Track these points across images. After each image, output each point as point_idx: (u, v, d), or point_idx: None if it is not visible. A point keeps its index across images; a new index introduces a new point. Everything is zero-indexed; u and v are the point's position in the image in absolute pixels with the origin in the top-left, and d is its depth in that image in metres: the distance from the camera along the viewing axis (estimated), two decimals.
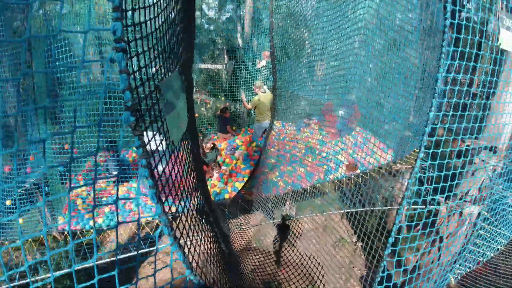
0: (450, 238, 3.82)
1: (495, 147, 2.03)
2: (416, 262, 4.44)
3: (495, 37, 1.54)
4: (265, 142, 4.52)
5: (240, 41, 7.64)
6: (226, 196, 4.86)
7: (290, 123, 4.26)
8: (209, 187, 5.15)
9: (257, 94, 6.21)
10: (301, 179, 3.48)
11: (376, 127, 3.73)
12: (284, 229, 4.99)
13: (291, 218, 4.26)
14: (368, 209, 3.66)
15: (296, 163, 3.71)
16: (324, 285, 5.00)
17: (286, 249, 5.28)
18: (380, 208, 4.12)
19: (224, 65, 7.69)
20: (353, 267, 5.49)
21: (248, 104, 6.44)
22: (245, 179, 5.11)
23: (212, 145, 5.63)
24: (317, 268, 4.87)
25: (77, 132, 4.39)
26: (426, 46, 3.34)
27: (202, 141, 5.56)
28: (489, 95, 1.60)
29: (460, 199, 3.50)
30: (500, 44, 1.54)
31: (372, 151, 3.37)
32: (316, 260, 5.02)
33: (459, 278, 2.13)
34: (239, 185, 5.00)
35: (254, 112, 6.77)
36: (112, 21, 0.74)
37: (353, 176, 3.48)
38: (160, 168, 1.21)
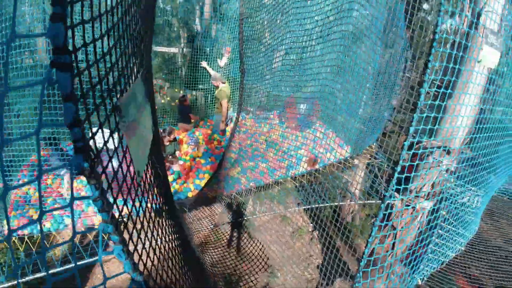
0: (404, 230, 4.09)
1: (449, 148, 2.14)
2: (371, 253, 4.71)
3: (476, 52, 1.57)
4: (230, 135, 4.42)
5: (198, 25, 7.33)
6: (189, 194, 4.71)
7: (251, 116, 4.21)
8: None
9: (217, 87, 6.03)
10: (263, 175, 3.46)
11: (334, 122, 3.82)
12: (241, 222, 5.00)
13: (254, 215, 4.25)
14: (328, 204, 3.76)
15: (258, 158, 3.68)
16: (283, 275, 5.14)
17: (245, 241, 5.32)
18: (338, 203, 4.26)
19: (180, 49, 7.36)
20: (310, 255, 5.68)
21: (219, 101, 6.18)
22: (207, 175, 4.98)
23: (173, 138, 5.41)
24: (276, 259, 4.98)
25: (21, 121, 3.92)
26: (384, 43, 3.45)
27: (164, 131, 5.31)
28: (446, 96, 1.65)
29: (415, 195, 3.74)
30: (480, 61, 1.59)
31: (331, 147, 3.44)
32: (275, 251, 5.12)
33: (425, 279, 2.26)
34: (200, 183, 4.87)
35: (214, 103, 6.60)
36: (50, 21, 0.51)
37: (313, 171, 3.54)
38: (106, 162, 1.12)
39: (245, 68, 4.13)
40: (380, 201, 3.81)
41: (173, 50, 7.50)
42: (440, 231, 2.47)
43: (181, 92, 7.21)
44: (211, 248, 4.86)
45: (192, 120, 6.66)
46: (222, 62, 6.99)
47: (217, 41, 6.99)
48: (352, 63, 3.49)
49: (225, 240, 5.13)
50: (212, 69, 6.80)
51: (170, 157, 5.25)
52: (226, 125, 6.19)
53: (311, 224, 6.06)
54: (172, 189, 4.79)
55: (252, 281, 4.78)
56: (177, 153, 5.57)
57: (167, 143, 5.32)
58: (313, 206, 3.71)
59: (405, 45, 4.20)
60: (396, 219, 4.13)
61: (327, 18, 3.47)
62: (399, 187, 2.06)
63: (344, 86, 3.60)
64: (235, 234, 5.28)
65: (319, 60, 3.60)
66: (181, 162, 5.46)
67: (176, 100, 6.75)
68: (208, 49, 6.99)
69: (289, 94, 3.95)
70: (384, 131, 4.53)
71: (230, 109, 6.37)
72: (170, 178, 5.04)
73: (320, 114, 3.82)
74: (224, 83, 6.00)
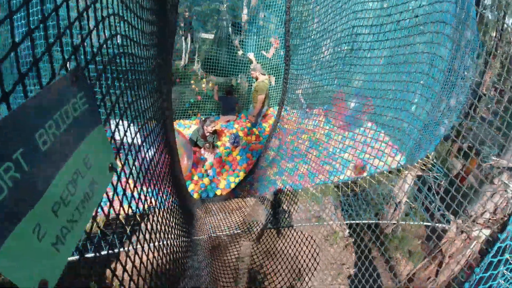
0: (452, 258, 3.60)
1: None
2: (413, 273, 4.28)
3: None
4: (270, 131, 4.11)
5: (245, 12, 7.07)
6: (218, 192, 4.52)
7: (295, 111, 3.86)
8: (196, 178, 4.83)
9: (257, 78, 5.73)
10: (302, 179, 3.13)
11: (388, 125, 3.38)
12: (275, 216, 4.75)
13: (287, 215, 3.96)
14: (372, 222, 3.38)
15: (298, 159, 3.35)
16: (311, 280, 4.84)
17: (275, 238, 5.07)
18: (386, 222, 3.85)
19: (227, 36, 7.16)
20: (343, 264, 5.32)
21: (257, 94, 5.88)
22: (242, 173, 4.74)
23: (213, 131, 5.26)
24: (306, 262, 4.68)
25: None
26: (454, 40, 2.94)
27: (204, 122, 5.17)
28: None
29: (473, 220, 3.23)
30: None
31: (382, 152, 3.03)
32: (306, 253, 4.83)
33: None
34: (233, 180, 4.66)
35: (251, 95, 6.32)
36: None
37: (358, 179, 3.16)
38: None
39: (290, 57, 3.78)
40: (430, 222, 3.35)
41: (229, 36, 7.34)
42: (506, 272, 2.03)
43: (226, 82, 7.02)
44: (239, 240, 4.69)
45: (236, 114, 6.44)
46: (270, 53, 6.67)
47: (264, 29, 6.68)
48: (412, 58, 3.03)
49: (254, 236, 4.93)
50: (257, 60, 6.50)
51: (207, 145, 5.11)
52: (256, 122, 5.93)
53: (348, 230, 5.67)
54: (198, 183, 4.65)
55: (277, 281, 4.55)
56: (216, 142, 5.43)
57: (207, 134, 5.19)
58: (355, 221, 3.35)
59: (476, 42, 3.64)
60: (445, 244, 3.65)
61: (384, 7, 3.03)
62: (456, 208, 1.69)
63: (402, 84, 3.14)
64: (265, 230, 5.06)
65: (374, 52, 3.18)
66: (217, 151, 5.30)
67: (224, 92, 6.53)
68: (255, 37, 6.72)
69: (338, 89, 3.56)
70: (444, 140, 4.01)
71: (266, 105, 6.06)
72: (202, 169, 4.89)
73: (372, 113, 3.40)
74: (264, 74, 5.70)
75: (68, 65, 0.66)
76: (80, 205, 0.59)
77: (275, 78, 6.77)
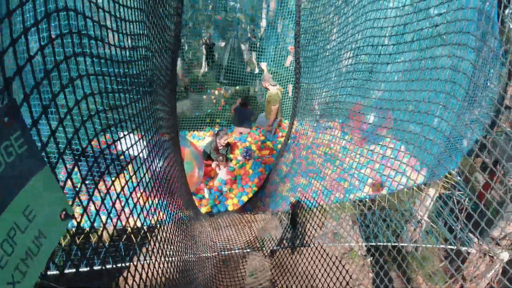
0: (474, 282, 3.35)
1: None
2: None
3: None
4: (282, 145, 3.98)
5: (264, 22, 7.05)
6: (230, 208, 4.42)
7: (310, 123, 3.72)
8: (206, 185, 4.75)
9: (267, 88, 5.67)
10: (317, 196, 2.98)
11: (409, 139, 3.19)
12: (290, 232, 4.60)
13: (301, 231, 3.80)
14: (389, 244, 3.18)
15: (312, 174, 3.20)
16: None
17: (289, 254, 4.90)
18: (408, 245, 3.64)
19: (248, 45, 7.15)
20: (360, 284, 5.07)
21: (269, 104, 5.79)
22: (254, 188, 4.63)
23: (225, 144, 5.19)
24: (321, 280, 4.49)
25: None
26: (477, 51, 2.76)
27: (217, 135, 5.11)
28: None
29: (496, 243, 3.00)
30: None
31: (403, 169, 2.85)
32: (321, 270, 4.63)
33: None
34: (244, 198, 4.55)
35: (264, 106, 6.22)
36: None
37: (377, 197, 2.98)
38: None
39: (300, 70, 3.66)
40: (453, 243, 3.13)
41: (243, 46, 7.35)
42: None
43: (243, 91, 6.98)
44: (252, 254, 4.55)
45: (253, 128, 6.34)
46: (288, 61, 6.59)
47: (282, 38, 6.62)
48: (435, 68, 2.85)
49: (268, 250, 4.78)
50: (270, 70, 6.43)
51: (221, 158, 5.04)
52: (271, 132, 5.83)
53: (365, 247, 5.43)
54: (207, 198, 4.58)
55: None
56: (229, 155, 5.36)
57: (220, 147, 5.12)
58: (373, 243, 3.15)
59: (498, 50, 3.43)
60: (468, 267, 3.40)
61: (403, 16, 2.88)
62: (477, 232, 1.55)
63: (424, 95, 2.96)
64: (281, 243, 4.90)
65: (394, 62, 3.03)
66: (231, 165, 5.22)
67: (237, 103, 6.48)
68: (273, 46, 6.67)
69: (355, 101, 3.41)
70: (467, 155, 3.78)
71: (279, 116, 5.95)
72: (212, 185, 4.81)
73: (392, 127, 3.22)
74: (274, 85, 5.63)
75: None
76: (22, 264, 0.50)
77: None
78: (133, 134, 1.33)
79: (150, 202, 1.50)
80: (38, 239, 0.54)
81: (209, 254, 3.40)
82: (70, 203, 0.66)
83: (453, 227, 3.54)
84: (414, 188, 3.09)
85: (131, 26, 1.28)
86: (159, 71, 1.87)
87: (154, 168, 1.58)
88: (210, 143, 5.17)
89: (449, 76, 2.72)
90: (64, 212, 0.62)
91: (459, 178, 3.95)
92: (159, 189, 1.70)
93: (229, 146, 5.37)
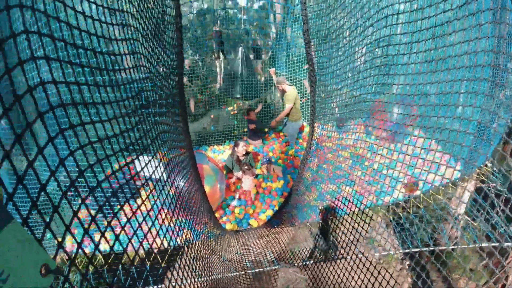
0: None
1: None
2: None
3: None
4: (305, 152, 3.84)
5: (274, 29, 7.03)
6: (253, 222, 4.31)
7: (331, 126, 3.58)
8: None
9: (284, 91, 5.58)
10: (347, 203, 2.82)
11: (439, 131, 2.99)
12: (322, 238, 4.42)
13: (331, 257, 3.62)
14: (427, 249, 2.98)
15: (340, 179, 3.05)
16: None
17: (323, 264, 4.70)
18: (447, 247, 3.41)
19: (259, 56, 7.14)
20: None
21: (285, 103, 5.73)
22: (279, 201, 4.51)
23: (245, 152, 5.12)
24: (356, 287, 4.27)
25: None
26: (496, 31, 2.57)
27: (235, 145, 5.07)
28: None
29: None
30: None
31: (436, 164, 2.66)
32: (357, 279, 4.39)
33: None
34: (271, 209, 4.43)
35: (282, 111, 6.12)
36: None
37: (411, 198, 2.79)
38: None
39: (315, 71, 3.54)
40: (493, 239, 2.88)
41: (251, 57, 7.35)
42: None
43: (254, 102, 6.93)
44: (284, 269, 4.40)
45: (260, 138, 6.26)
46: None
47: (293, 43, 6.56)
48: (455, 54, 2.67)
49: (300, 262, 4.61)
50: (279, 74, 6.37)
51: (246, 167, 4.96)
52: (277, 125, 5.71)
53: (402, 250, 5.15)
54: (233, 214, 4.49)
55: None
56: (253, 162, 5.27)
57: (242, 158, 5.06)
58: (411, 250, 2.95)
59: None
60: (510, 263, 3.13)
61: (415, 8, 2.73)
62: None
63: (448, 83, 2.77)
64: (312, 252, 4.73)
65: (411, 55, 2.87)
66: (256, 172, 5.13)
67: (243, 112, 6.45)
68: (285, 52, 6.63)
69: (375, 97, 3.26)
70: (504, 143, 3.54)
71: (300, 117, 5.82)
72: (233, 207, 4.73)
73: (419, 120, 3.03)
74: (290, 85, 5.57)
75: None
76: None
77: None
78: (151, 156, 1.29)
79: (175, 221, 1.46)
80: None
81: (237, 273, 3.29)
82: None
83: (494, 223, 3.29)
84: (450, 185, 2.88)
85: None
86: (166, 93, 1.83)
87: (175, 188, 1.54)
88: (230, 156, 5.12)
89: (467, 62, 2.55)
90: (44, 267, 0.54)
91: (494, 168, 3.69)
92: (181, 208, 1.65)
93: (250, 154, 5.29)
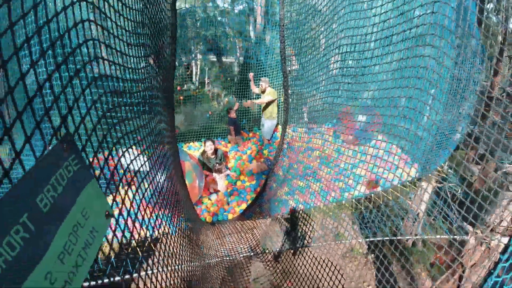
0: (472, 268, 3.46)
1: None
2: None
3: None
4: (277, 151, 4.10)
5: (252, 34, 7.24)
6: (230, 216, 4.51)
7: (303, 128, 3.86)
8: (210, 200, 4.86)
9: (265, 90, 5.84)
10: (314, 198, 3.10)
11: (399, 135, 3.33)
12: (291, 235, 4.69)
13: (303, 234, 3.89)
14: (387, 239, 3.30)
15: (309, 177, 3.33)
16: None
17: (292, 257, 4.97)
18: (404, 237, 3.75)
19: (237, 58, 7.33)
20: (363, 281, 5.16)
21: (256, 89, 6.04)
22: (252, 196, 4.75)
23: (214, 149, 5.25)
24: (324, 281, 4.56)
25: None
26: (455, 44, 2.93)
27: (205, 143, 5.22)
28: None
29: (491, 229, 3.12)
30: None
31: (395, 165, 2.99)
32: (325, 271, 4.70)
33: None
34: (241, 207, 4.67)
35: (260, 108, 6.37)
36: None
37: (372, 194, 3.11)
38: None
39: (288, 83, 3.81)
40: (448, 234, 3.26)
41: (229, 59, 7.52)
42: None
43: (233, 100, 7.12)
44: (256, 261, 4.61)
45: (240, 136, 6.47)
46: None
47: (271, 48, 6.81)
48: (417, 66, 3.01)
49: (270, 256, 4.85)
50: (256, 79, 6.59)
51: (216, 165, 5.12)
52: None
53: (366, 245, 5.53)
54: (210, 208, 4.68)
55: None
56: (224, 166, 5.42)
57: (212, 156, 5.18)
58: (370, 239, 3.26)
59: (478, 47, 3.61)
60: (466, 256, 3.52)
61: (387, 20, 3.05)
62: (473, 219, 1.64)
63: (409, 93, 3.11)
64: (283, 248, 4.98)
65: (379, 64, 3.18)
66: (230, 172, 5.31)
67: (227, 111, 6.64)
68: (262, 57, 6.85)
69: (344, 103, 3.56)
70: (458, 147, 3.93)
71: (276, 117, 6.11)
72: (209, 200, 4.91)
73: (382, 125, 3.37)
74: (270, 86, 5.87)
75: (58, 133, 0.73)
76: (82, 251, 0.67)
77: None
78: (137, 148, 1.42)
79: (155, 214, 1.57)
80: (92, 233, 0.72)
81: (213, 260, 3.48)
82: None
83: (449, 218, 3.67)
84: (408, 183, 3.22)
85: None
86: (159, 84, 1.99)
87: (157, 180, 1.66)
88: (200, 155, 5.27)
89: (429, 72, 2.88)
90: (107, 212, 0.80)
91: (450, 170, 4.10)
92: (163, 201, 1.77)
93: (220, 151, 5.41)
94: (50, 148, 0.64)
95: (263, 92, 5.90)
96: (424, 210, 4.46)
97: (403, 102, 3.11)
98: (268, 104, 5.84)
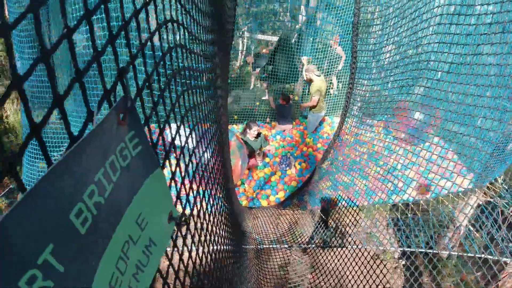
0: None
1: None
2: None
3: None
4: (330, 144, 3.89)
5: (303, 13, 6.90)
6: (263, 202, 4.44)
7: (354, 121, 3.61)
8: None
9: (311, 80, 5.52)
10: (359, 196, 2.91)
11: (458, 141, 3.03)
12: (323, 226, 4.56)
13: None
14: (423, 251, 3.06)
15: (355, 173, 3.12)
16: None
17: (321, 250, 4.85)
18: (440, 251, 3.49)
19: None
20: (389, 287, 4.94)
21: (311, 96, 5.63)
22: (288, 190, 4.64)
23: (257, 133, 5.16)
24: (351, 280, 4.42)
25: None
26: None
27: (248, 128, 5.12)
28: None
29: None
30: None
31: (450, 172, 2.72)
32: (352, 270, 4.54)
33: None
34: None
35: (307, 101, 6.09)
36: None
37: (421, 201, 2.86)
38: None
39: (356, 64, 3.52)
40: (492, 256, 2.96)
41: (276, 39, 7.26)
42: None
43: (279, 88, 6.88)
44: (284, 250, 4.56)
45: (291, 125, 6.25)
46: (340, 65, 6.41)
47: (321, 31, 6.45)
48: (481, 69, 2.66)
49: (300, 245, 4.77)
50: (312, 63, 6.25)
51: (259, 151, 5.06)
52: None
53: (399, 250, 5.27)
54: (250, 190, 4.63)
55: None
56: (265, 149, 5.32)
57: (252, 139, 5.11)
58: (406, 249, 3.04)
59: None
60: (504, 278, 3.21)
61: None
62: None
63: (476, 95, 2.78)
64: (312, 239, 4.88)
65: (442, 60, 2.86)
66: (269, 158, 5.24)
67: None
68: (311, 38, 6.52)
69: (401, 97, 3.27)
70: None
71: (324, 109, 5.80)
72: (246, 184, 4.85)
73: (440, 127, 3.07)
74: (319, 76, 5.49)
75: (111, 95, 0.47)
76: (133, 280, 0.45)
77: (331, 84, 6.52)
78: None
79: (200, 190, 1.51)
80: (148, 248, 0.49)
81: (248, 246, 3.45)
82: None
83: (495, 237, 3.36)
84: (460, 194, 2.95)
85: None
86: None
87: (205, 158, 1.58)
88: (241, 134, 5.20)
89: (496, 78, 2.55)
90: (170, 214, 0.57)
91: (504, 186, 3.73)
92: (210, 178, 1.71)
93: (262, 135, 5.31)
94: (97, 118, 0.40)
95: (308, 82, 5.61)
96: (467, 222, 4.14)
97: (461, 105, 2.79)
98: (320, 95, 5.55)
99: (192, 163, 1.39)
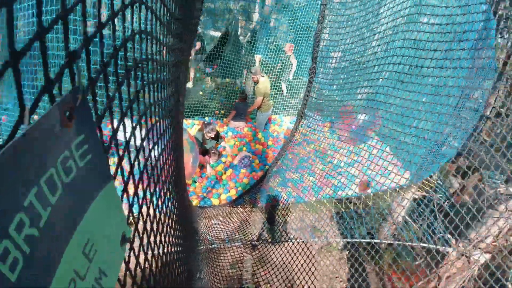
0: (448, 280, 3.54)
1: None
2: None
3: None
4: (284, 145, 3.97)
5: (257, 13, 6.98)
6: (214, 201, 4.44)
7: (306, 122, 3.76)
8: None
9: (257, 81, 5.67)
10: (306, 192, 3.06)
11: (394, 140, 3.31)
12: (272, 222, 4.70)
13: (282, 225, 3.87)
14: (365, 241, 3.30)
15: (303, 170, 3.27)
16: None
17: (270, 246, 4.99)
18: (381, 241, 3.78)
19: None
20: (336, 276, 5.24)
21: (255, 96, 5.82)
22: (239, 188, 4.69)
23: (214, 136, 5.15)
24: (300, 272, 4.62)
25: None
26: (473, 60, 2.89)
27: (204, 128, 5.08)
28: None
29: (474, 245, 3.17)
30: None
31: (387, 169, 2.97)
32: (300, 264, 4.74)
33: None
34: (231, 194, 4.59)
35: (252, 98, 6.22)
36: None
37: (362, 196, 3.09)
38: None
39: (315, 69, 3.64)
40: (428, 244, 3.29)
41: (241, 37, 7.24)
42: None
43: (238, 83, 6.89)
44: (233, 248, 4.61)
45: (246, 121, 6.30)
46: (291, 72, 6.61)
47: (275, 32, 6.58)
48: (420, 73, 2.96)
49: (249, 243, 4.85)
50: (262, 63, 6.38)
51: (213, 151, 5.05)
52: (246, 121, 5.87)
53: (343, 242, 5.60)
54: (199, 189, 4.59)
55: None
56: (221, 147, 5.31)
57: (208, 138, 5.09)
58: (350, 240, 3.26)
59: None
60: (444, 266, 3.59)
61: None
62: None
63: (412, 99, 3.07)
64: (261, 236, 4.99)
65: (381, 64, 3.11)
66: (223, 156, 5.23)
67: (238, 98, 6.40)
68: (265, 38, 6.62)
69: (348, 100, 3.49)
70: (452, 161, 3.95)
71: (270, 108, 5.98)
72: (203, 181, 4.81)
73: (380, 128, 3.33)
74: (263, 76, 5.68)
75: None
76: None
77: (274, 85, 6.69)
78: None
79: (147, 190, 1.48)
80: (99, 282, 0.40)
81: (201, 247, 3.43)
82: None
83: (433, 228, 3.72)
84: (398, 189, 3.22)
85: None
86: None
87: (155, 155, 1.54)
88: (201, 134, 5.15)
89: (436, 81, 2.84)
90: (123, 235, 0.48)
91: (439, 182, 4.14)
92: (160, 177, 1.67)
93: (219, 137, 5.33)
94: (37, 117, 0.30)
95: (255, 83, 5.75)
96: (405, 214, 4.52)
97: (401, 108, 3.07)
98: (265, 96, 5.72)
99: (150, 162, 1.34)
